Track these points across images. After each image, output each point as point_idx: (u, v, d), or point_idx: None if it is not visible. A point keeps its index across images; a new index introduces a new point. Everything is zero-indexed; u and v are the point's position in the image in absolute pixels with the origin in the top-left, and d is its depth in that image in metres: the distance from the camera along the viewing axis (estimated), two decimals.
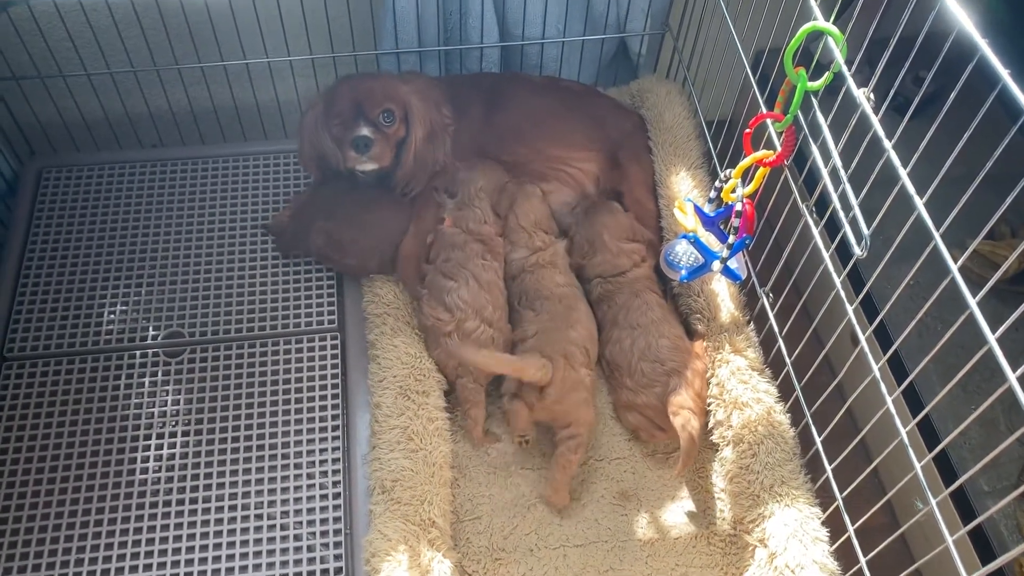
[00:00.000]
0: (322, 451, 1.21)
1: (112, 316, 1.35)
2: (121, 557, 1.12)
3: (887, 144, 0.84)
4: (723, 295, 1.30)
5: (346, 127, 1.29)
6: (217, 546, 1.13)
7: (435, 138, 1.36)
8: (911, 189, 0.80)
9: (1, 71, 1.46)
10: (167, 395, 1.27)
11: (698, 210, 1.22)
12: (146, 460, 1.20)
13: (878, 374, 0.93)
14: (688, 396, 1.18)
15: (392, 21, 1.48)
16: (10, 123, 1.54)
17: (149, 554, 1.12)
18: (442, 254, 1.33)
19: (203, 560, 1.12)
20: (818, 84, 0.97)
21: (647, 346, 1.23)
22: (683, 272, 1.25)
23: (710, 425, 1.22)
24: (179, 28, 1.43)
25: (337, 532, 1.15)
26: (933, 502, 0.84)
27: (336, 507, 1.17)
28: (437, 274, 1.31)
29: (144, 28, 1.44)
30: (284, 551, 1.13)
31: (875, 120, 0.86)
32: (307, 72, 1.56)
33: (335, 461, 1.21)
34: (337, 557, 1.13)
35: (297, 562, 1.12)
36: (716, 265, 1.18)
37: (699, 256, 1.23)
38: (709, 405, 1.22)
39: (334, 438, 1.23)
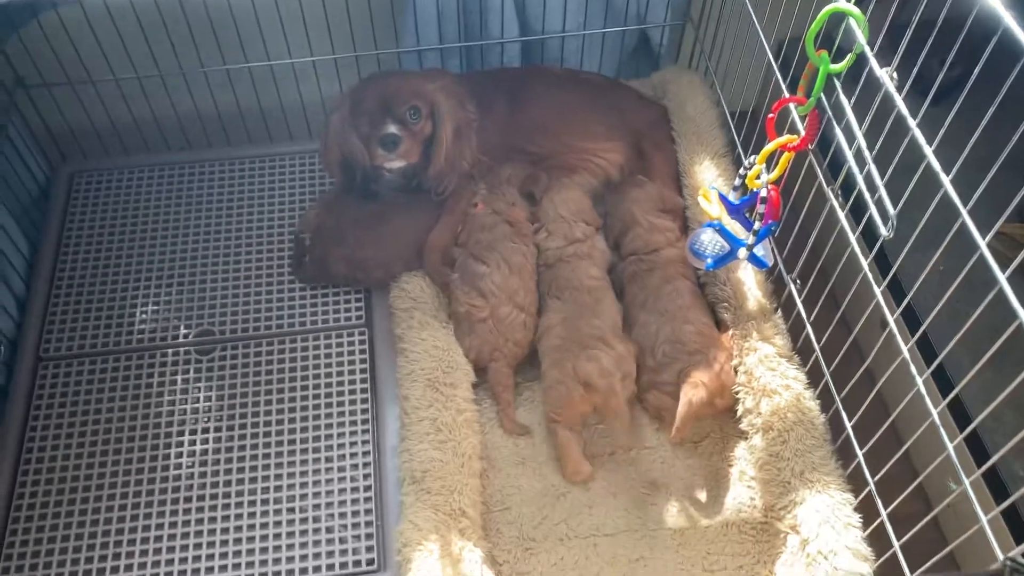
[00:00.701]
0: (352, 444, 1.23)
1: (144, 316, 1.37)
2: (157, 551, 1.14)
3: (911, 122, 0.83)
4: (749, 283, 1.30)
5: (373, 126, 1.30)
6: (251, 539, 1.15)
7: (462, 135, 1.37)
8: (936, 166, 0.79)
9: (32, 78, 1.49)
10: (199, 392, 1.28)
11: (723, 198, 1.22)
12: (180, 456, 1.22)
13: (907, 355, 0.93)
14: (706, 373, 1.19)
15: (413, 19, 1.49)
16: (42, 130, 1.57)
17: (184, 547, 1.14)
18: (472, 236, 1.34)
19: (237, 553, 1.13)
20: (840, 66, 0.97)
21: (672, 332, 1.24)
22: (709, 260, 1.24)
23: (739, 413, 1.22)
24: (204, 32, 1.45)
25: (368, 523, 1.16)
26: (966, 481, 0.83)
27: (367, 499, 1.18)
28: (468, 257, 1.32)
29: (170, 33, 1.46)
30: (316, 543, 1.14)
31: (899, 99, 0.85)
32: (330, 72, 1.58)
33: (365, 454, 1.22)
34: (369, 548, 1.14)
35: (330, 553, 1.13)
36: (742, 253, 1.18)
37: (725, 244, 1.23)
38: (737, 393, 1.22)
39: (364, 431, 1.24)
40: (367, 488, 1.19)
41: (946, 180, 0.79)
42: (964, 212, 0.78)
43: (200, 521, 1.16)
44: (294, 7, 1.44)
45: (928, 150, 0.81)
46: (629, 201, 1.38)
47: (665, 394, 1.22)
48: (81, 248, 1.45)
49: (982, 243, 0.76)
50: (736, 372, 1.24)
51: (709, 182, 1.40)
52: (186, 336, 1.35)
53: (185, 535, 1.15)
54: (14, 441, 1.23)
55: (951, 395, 0.89)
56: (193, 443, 1.23)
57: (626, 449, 1.23)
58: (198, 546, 1.14)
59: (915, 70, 0.92)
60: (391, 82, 1.33)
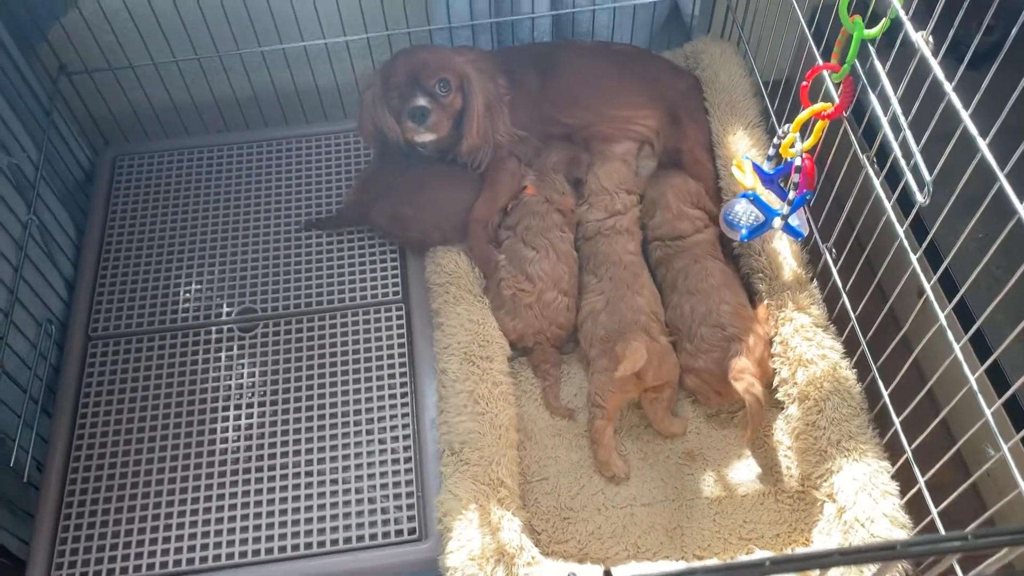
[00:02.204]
0: (392, 416, 1.25)
1: (188, 295, 1.40)
2: (205, 522, 1.17)
3: (947, 87, 0.82)
4: (785, 253, 1.29)
5: (403, 99, 1.31)
6: (295, 510, 1.18)
7: (493, 109, 1.38)
8: (973, 130, 0.79)
9: (74, 65, 1.53)
10: (243, 368, 1.32)
11: (757, 168, 1.22)
12: (225, 430, 1.25)
13: (944, 321, 0.92)
14: (749, 361, 1.18)
15: None
16: (84, 115, 1.61)
17: (232, 519, 1.17)
18: (522, 221, 1.35)
19: (283, 524, 1.17)
20: (875, 31, 0.96)
21: (708, 311, 1.23)
22: (743, 231, 1.24)
23: (775, 383, 1.22)
24: (239, 15, 1.48)
25: (410, 494, 1.18)
26: (1005, 447, 0.83)
27: (408, 470, 1.20)
28: (517, 241, 1.34)
29: (205, 15, 1.48)
30: (359, 514, 1.17)
31: (934, 63, 0.84)
32: (363, 52, 1.59)
33: (405, 426, 1.24)
34: (411, 518, 1.16)
35: (372, 524, 1.16)
36: (777, 222, 1.17)
37: (759, 214, 1.22)
38: (773, 363, 1.22)
39: (403, 404, 1.26)
40: (407, 460, 1.21)
41: (983, 144, 0.79)
42: (1002, 176, 0.77)
43: (246, 493, 1.20)
44: None
45: (965, 114, 0.81)
46: (666, 185, 1.38)
47: (702, 380, 1.22)
48: (126, 230, 1.49)
49: (1020, 208, 0.75)
50: (772, 343, 1.24)
51: (743, 152, 1.40)
52: (229, 314, 1.38)
53: (232, 507, 1.19)
54: (67, 417, 1.27)
55: (989, 360, 0.89)
56: (238, 418, 1.27)
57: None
58: (244, 517, 1.18)
59: (951, 34, 0.90)
60: (420, 56, 1.34)
